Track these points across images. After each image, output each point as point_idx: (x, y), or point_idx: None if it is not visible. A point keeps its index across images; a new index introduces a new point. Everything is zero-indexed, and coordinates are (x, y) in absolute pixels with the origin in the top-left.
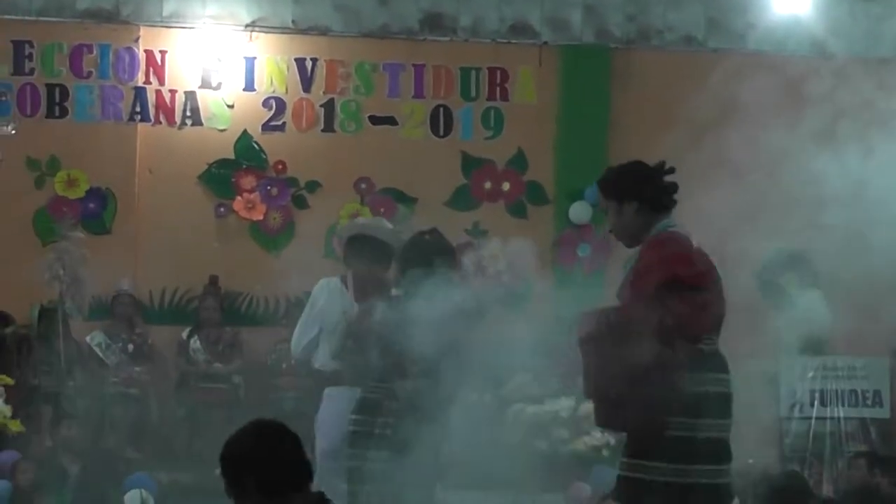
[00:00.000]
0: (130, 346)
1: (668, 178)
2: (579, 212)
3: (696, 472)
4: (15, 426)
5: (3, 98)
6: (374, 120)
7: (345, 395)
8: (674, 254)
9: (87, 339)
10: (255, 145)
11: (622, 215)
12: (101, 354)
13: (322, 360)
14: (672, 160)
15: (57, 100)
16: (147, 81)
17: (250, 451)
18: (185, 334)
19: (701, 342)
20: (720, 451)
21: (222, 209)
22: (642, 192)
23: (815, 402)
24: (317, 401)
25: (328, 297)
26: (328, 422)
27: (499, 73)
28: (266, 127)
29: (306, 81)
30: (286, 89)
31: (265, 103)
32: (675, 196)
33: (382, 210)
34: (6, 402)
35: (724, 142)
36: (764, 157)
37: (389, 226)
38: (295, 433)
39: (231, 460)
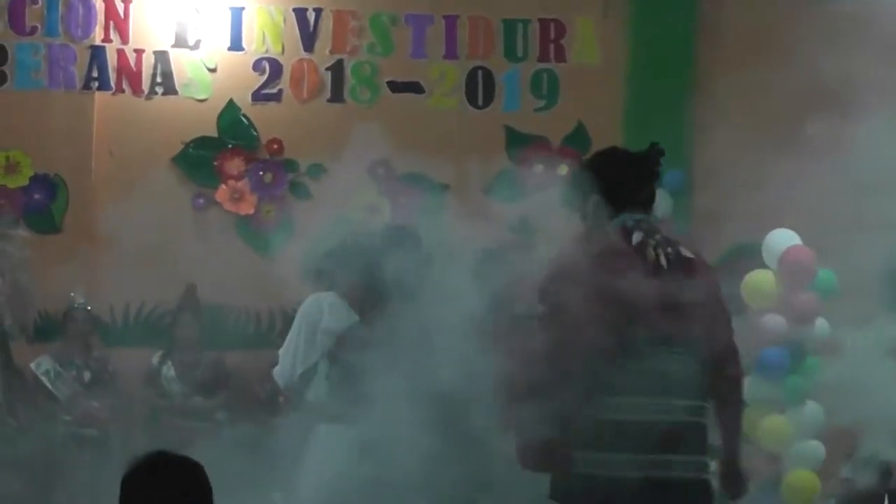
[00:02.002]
0: (87, 375)
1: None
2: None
3: None
4: None
5: None
6: (395, 87)
7: (342, 434)
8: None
9: (32, 365)
10: (244, 119)
11: (584, 216)
12: (49, 385)
13: (322, 392)
14: (773, 135)
15: None
16: (106, 39)
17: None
18: (155, 359)
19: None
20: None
21: (202, 200)
22: (601, 184)
23: None
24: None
25: (329, 314)
26: (317, 469)
27: (552, 26)
28: (257, 96)
29: (308, 38)
30: (282, 48)
31: (256, 66)
32: (647, 187)
33: (404, 201)
34: None
35: (838, 111)
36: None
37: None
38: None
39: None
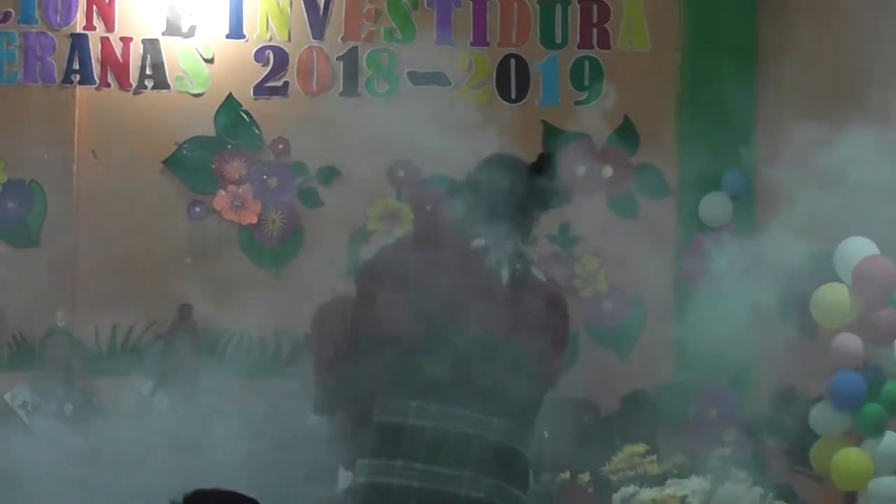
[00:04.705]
0: (68, 407)
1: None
2: (714, 208)
3: None
4: None
5: None
6: (416, 78)
7: None
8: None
9: (7, 397)
10: (245, 116)
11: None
12: (25, 419)
13: None
14: (848, 132)
15: None
16: (89, 26)
17: None
18: (146, 388)
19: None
20: None
21: (198, 209)
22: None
23: None
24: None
25: None
26: None
27: (596, 7)
28: (260, 90)
29: (317, 24)
30: (288, 35)
31: (259, 56)
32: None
33: (429, 208)
34: None
35: None
36: None
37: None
38: None
39: None
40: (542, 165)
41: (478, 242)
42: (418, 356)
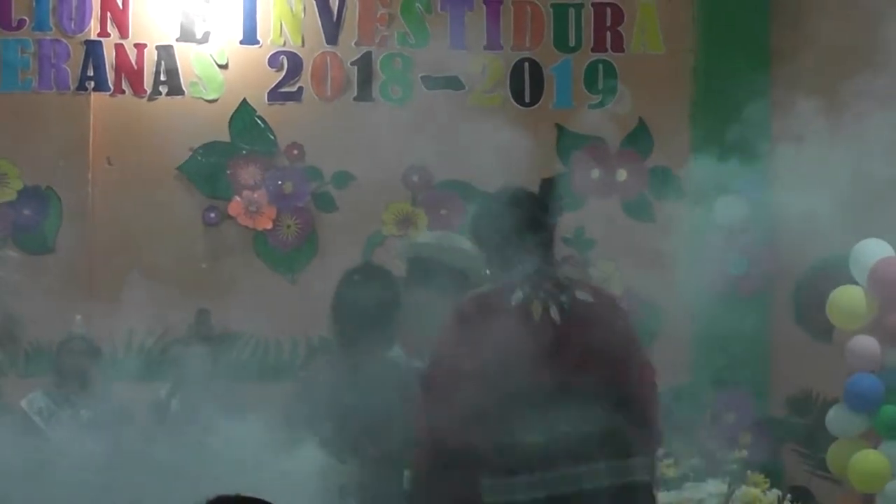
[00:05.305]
0: (84, 413)
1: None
2: (730, 210)
3: None
4: None
5: None
6: (430, 83)
7: None
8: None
9: (23, 403)
10: (260, 122)
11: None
12: (41, 425)
13: None
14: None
15: None
16: (103, 33)
17: None
18: (163, 393)
19: None
20: None
21: (213, 214)
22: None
23: None
24: None
25: None
26: None
27: (609, 10)
28: (274, 95)
29: (331, 29)
30: (302, 41)
31: (272, 61)
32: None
33: (444, 212)
34: None
35: None
36: None
37: (465, 245)
38: None
39: None
40: (546, 189)
41: (517, 297)
42: (509, 432)
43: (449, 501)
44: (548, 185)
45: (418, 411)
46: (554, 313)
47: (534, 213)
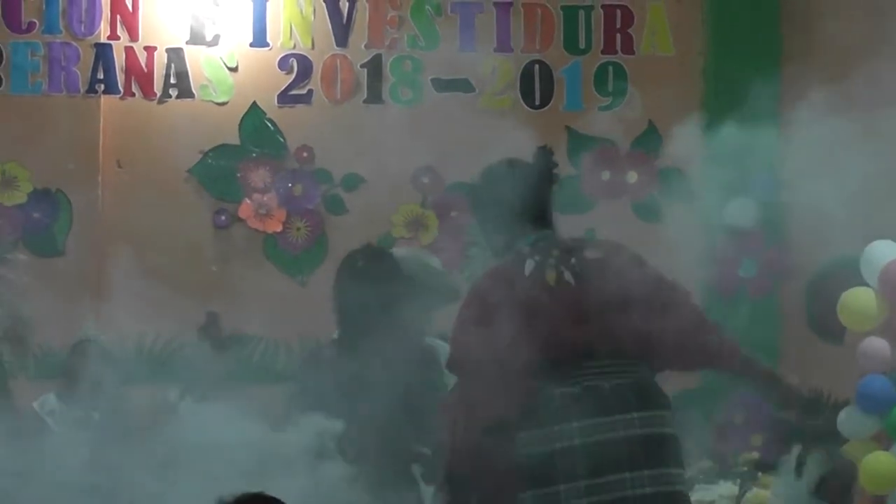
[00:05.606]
0: (95, 415)
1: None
2: (740, 212)
3: None
4: None
5: None
6: (440, 85)
7: None
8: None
9: (35, 405)
10: (269, 124)
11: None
12: (53, 427)
13: None
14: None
15: None
16: (113, 36)
17: None
18: (173, 396)
19: None
20: None
21: (223, 217)
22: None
23: None
24: None
25: None
26: None
27: (619, 12)
28: (284, 98)
29: (341, 31)
30: (312, 43)
31: (282, 64)
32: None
33: (454, 214)
34: None
35: None
36: None
37: (433, 262)
38: None
39: None
40: (544, 160)
41: (529, 266)
42: (541, 383)
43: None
44: (543, 153)
45: (450, 409)
46: (568, 276)
47: (531, 180)
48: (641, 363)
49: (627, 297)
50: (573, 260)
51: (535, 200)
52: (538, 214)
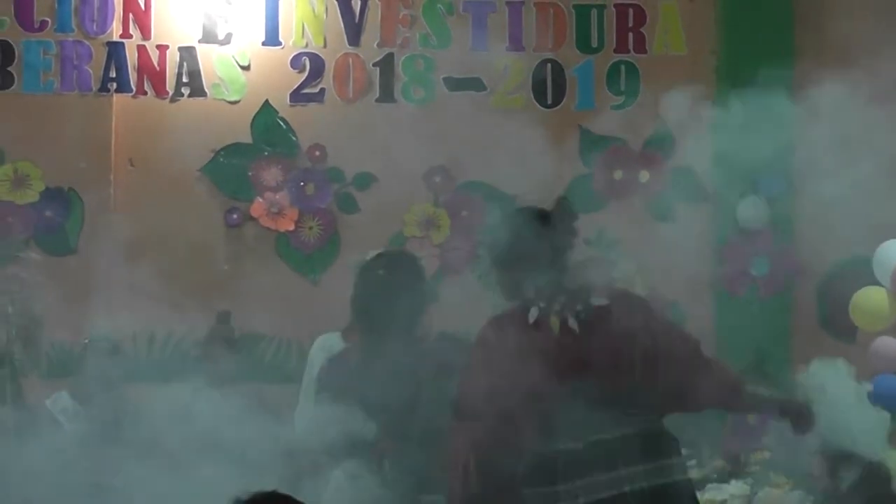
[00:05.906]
0: (107, 413)
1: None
2: (752, 211)
3: None
4: None
5: None
6: (452, 84)
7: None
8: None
9: (48, 402)
10: (282, 123)
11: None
12: (66, 425)
13: None
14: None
15: None
16: (125, 34)
17: None
18: (185, 395)
19: None
20: None
21: (236, 216)
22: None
23: None
24: None
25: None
26: None
27: (632, 11)
28: (296, 97)
29: (353, 30)
30: (324, 42)
31: (295, 63)
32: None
33: (466, 213)
34: None
35: None
36: None
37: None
38: None
39: None
40: (562, 214)
41: (533, 314)
42: (544, 438)
43: None
44: (563, 203)
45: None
46: (572, 323)
47: (547, 232)
48: (648, 410)
49: (632, 346)
50: (579, 306)
51: (552, 249)
52: (552, 261)
